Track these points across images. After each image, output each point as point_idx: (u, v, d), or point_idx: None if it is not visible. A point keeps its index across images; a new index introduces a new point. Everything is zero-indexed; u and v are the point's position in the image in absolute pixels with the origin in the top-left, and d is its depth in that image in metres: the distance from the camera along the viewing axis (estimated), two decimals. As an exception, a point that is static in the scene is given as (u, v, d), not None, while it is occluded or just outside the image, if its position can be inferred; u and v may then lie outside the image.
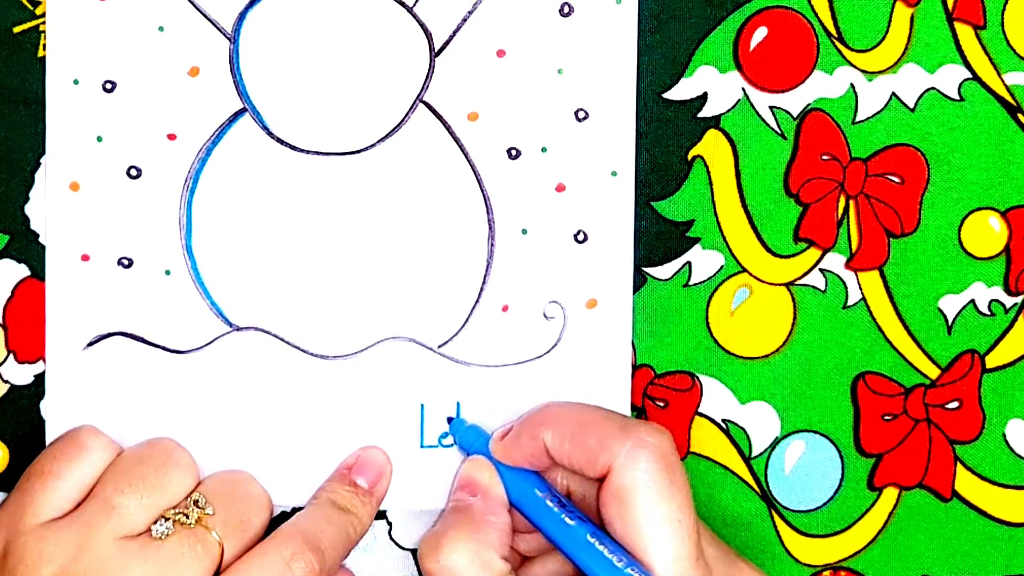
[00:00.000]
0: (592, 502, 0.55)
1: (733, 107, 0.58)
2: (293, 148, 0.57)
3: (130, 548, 0.52)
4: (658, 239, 0.58)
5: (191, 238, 0.57)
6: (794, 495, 0.59)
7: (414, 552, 0.58)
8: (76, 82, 0.56)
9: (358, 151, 0.57)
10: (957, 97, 0.58)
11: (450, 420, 0.57)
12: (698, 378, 0.59)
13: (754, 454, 0.59)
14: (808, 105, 0.58)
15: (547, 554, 0.56)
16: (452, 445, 0.57)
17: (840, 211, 0.58)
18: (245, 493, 0.55)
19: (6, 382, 0.57)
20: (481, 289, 0.57)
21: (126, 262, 0.57)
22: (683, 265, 0.58)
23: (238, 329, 0.57)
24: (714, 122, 0.58)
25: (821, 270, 0.59)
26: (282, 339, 0.57)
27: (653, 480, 0.51)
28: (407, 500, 0.57)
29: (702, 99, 0.58)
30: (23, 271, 0.57)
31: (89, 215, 0.56)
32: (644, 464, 0.52)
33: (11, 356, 0.57)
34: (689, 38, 0.58)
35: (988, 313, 0.59)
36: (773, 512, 0.59)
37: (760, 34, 0.58)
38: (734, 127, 0.58)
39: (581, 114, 0.57)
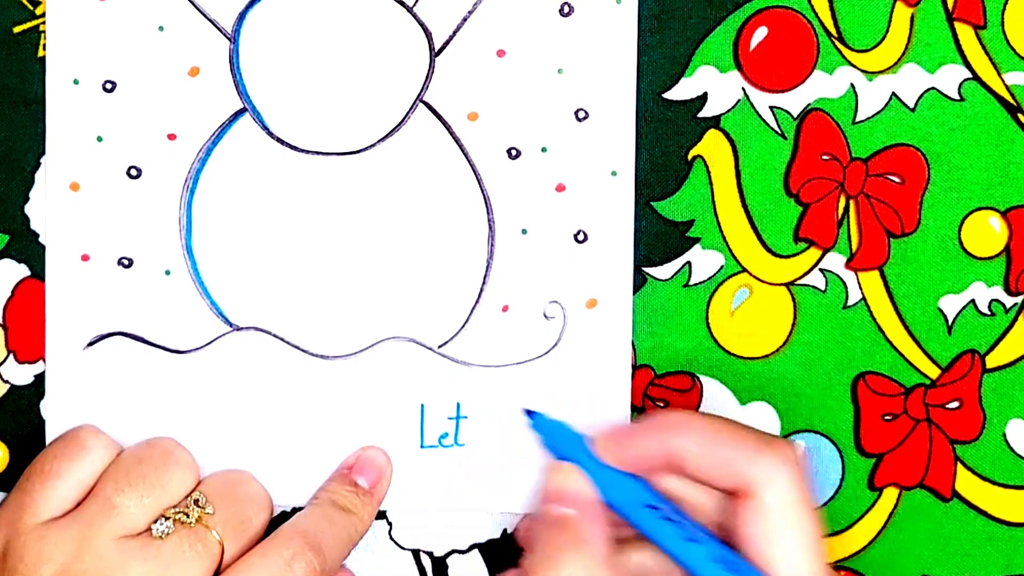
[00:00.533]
0: (708, 512, 0.53)
1: (733, 107, 0.58)
2: (293, 148, 0.57)
3: (130, 547, 0.52)
4: (658, 239, 0.58)
5: (191, 238, 0.57)
6: (794, 495, 0.59)
7: (414, 552, 0.58)
8: (76, 82, 0.56)
9: (358, 151, 0.57)
10: (957, 97, 0.58)
11: (530, 413, 0.56)
12: (698, 378, 0.59)
13: (754, 454, 0.59)
14: (808, 105, 0.58)
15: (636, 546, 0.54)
16: (452, 445, 0.57)
17: (840, 211, 0.58)
18: (245, 493, 0.55)
19: (6, 382, 0.57)
20: (481, 289, 0.57)
21: (126, 262, 0.57)
22: (683, 265, 0.58)
23: (238, 329, 0.57)
24: (714, 122, 0.58)
25: (821, 270, 0.59)
26: (282, 339, 0.57)
27: (799, 499, 0.50)
28: (407, 500, 0.57)
29: (702, 99, 0.58)
30: (23, 271, 0.57)
31: (89, 215, 0.56)
32: (790, 481, 0.51)
33: (11, 356, 0.57)
34: (689, 38, 0.58)
35: (988, 313, 0.59)
36: (773, 512, 0.59)
37: (760, 34, 0.58)
38: (734, 127, 0.58)
39: (581, 114, 0.57)
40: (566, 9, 0.57)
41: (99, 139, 0.56)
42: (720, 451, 0.51)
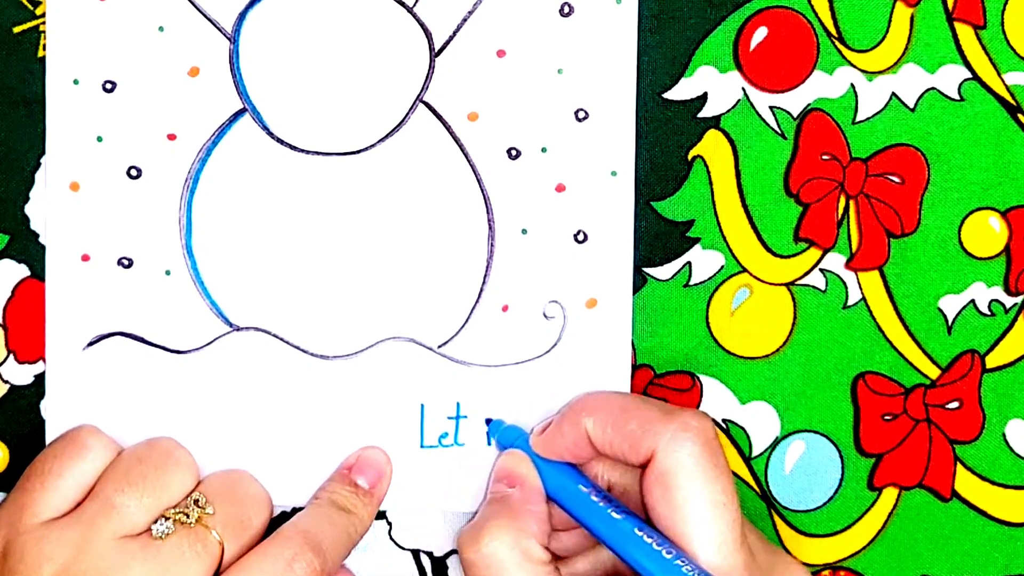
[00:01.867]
0: (633, 494, 0.54)
1: (733, 107, 0.58)
2: (293, 148, 0.57)
3: (130, 547, 0.52)
4: (658, 239, 0.58)
5: (191, 238, 0.57)
6: (794, 495, 0.59)
7: (414, 552, 0.58)
8: (76, 82, 0.56)
9: (358, 151, 0.57)
10: (957, 97, 0.58)
11: (488, 421, 0.57)
12: (698, 378, 0.59)
13: (754, 454, 0.59)
14: (808, 105, 0.58)
15: (580, 554, 0.56)
16: (451, 445, 0.57)
17: (840, 211, 0.58)
18: (245, 492, 0.55)
19: (6, 382, 0.57)
20: (481, 289, 0.57)
21: (126, 262, 0.57)
22: (683, 265, 0.58)
23: (238, 329, 0.57)
24: (714, 122, 0.58)
25: (821, 270, 0.59)
26: (282, 339, 0.57)
27: (697, 463, 0.51)
28: (407, 500, 0.57)
29: (702, 99, 0.58)
30: (23, 271, 0.57)
31: (89, 215, 0.56)
32: (688, 447, 0.51)
33: (11, 356, 0.57)
34: (689, 38, 0.58)
35: (988, 313, 0.59)
36: (773, 512, 0.59)
37: (760, 34, 0.58)
38: (734, 127, 0.58)
39: (581, 114, 0.57)
40: (566, 9, 0.57)
41: (99, 139, 0.56)
42: (624, 426, 0.52)
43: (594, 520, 0.53)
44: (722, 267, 0.58)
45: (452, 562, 0.59)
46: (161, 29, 0.56)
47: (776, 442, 0.59)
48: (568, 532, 0.56)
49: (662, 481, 0.51)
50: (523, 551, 0.52)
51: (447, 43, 0.57)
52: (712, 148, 0.58)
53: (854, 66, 0.58)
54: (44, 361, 0.57)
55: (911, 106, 0.58)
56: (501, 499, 0.54)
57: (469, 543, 0.52)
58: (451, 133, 0.57)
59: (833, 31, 0.58)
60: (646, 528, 0.52)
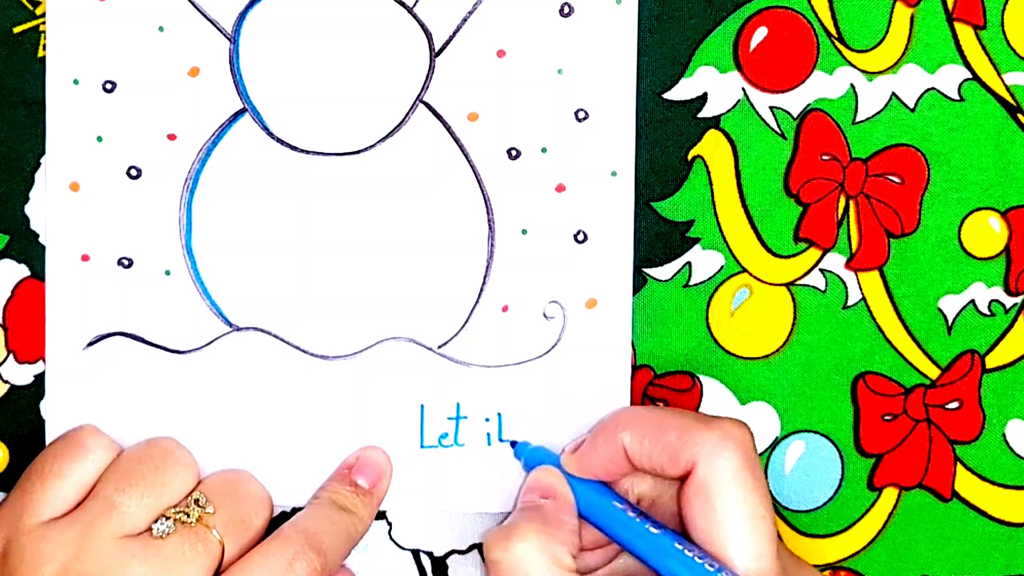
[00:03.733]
0: (663, 506, 0.54)
1: (733, 107, 0.58)
2: (293, 148, 0.57)
3: (131, 547, 0.52)
4: (658, 239, 0.58)
5: (191, 238, 0.57)
6: (794, 495, 0.59)
7: (414, 552, 0.58)
8: (76, 82, 0.56)
9: (358, 151, 0.57)
10: (957, 97, 0.58)
11: (514, 444, 0.57)
12: (698, 378, 0.59)
13: (754, 454, 0.59)
14: (808, 105, 0.58)
15: (600, 569, 0.55)
16: (451, 445, 0.57)
17: (840, 211, 0.58)
18: (246, 492, 0.55)
19: (6, 382, 0.57)
20: (481, 289, 0.57)
21: (126, 262, 0.57)
22: (683, 265, 0.58)
23: (238, 329, 0.57)
24: (714, 122, 0.58)
25: (821, 270, 0.59)
26: (282, 339, 0.57)
27: (739, 474, 0.50)
28: (407, 500, 0.57)
29: (702, 99, 0.58)
30: (23, 271, 0.57)
31: (89, 215, 0.56)
32: (730, 457, 0.50)
33: (11, 356, 0.57)
34: (689, 38, 0.58)
35: (988, 313, 0.59)
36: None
37: (760, 34, 0.58)
38: (734, 127, 0.58)
39: (581, 114, 0.57)
40: (566, 9, 0.57)
41: (99, 139, 0.56)
42: (661, 438, 0.52)
43: (631, 536, 0.52)
44: (722, 267, 0.58)
45: (452, 562, 0.58)
46: (161, 29, 0.56)
47: (776, 442, 0.59)
48: (593, 552, 0.55)
49: (703, 492, 0.50)
50: (552, 556, 0.51)
51: (447, 43, 0.57)
52: (712, 148, 0.58)
53: (854, 66, 0.58)
54: (44, 361, 0.57)
55: (911, 106, 0.58)
56: (534, 507, 0.53)
57: (497, 543, 0.51)
58: (451, 133, 0.57)
59: (833, 31, 0.58)
60: (685, 542, 0.51)
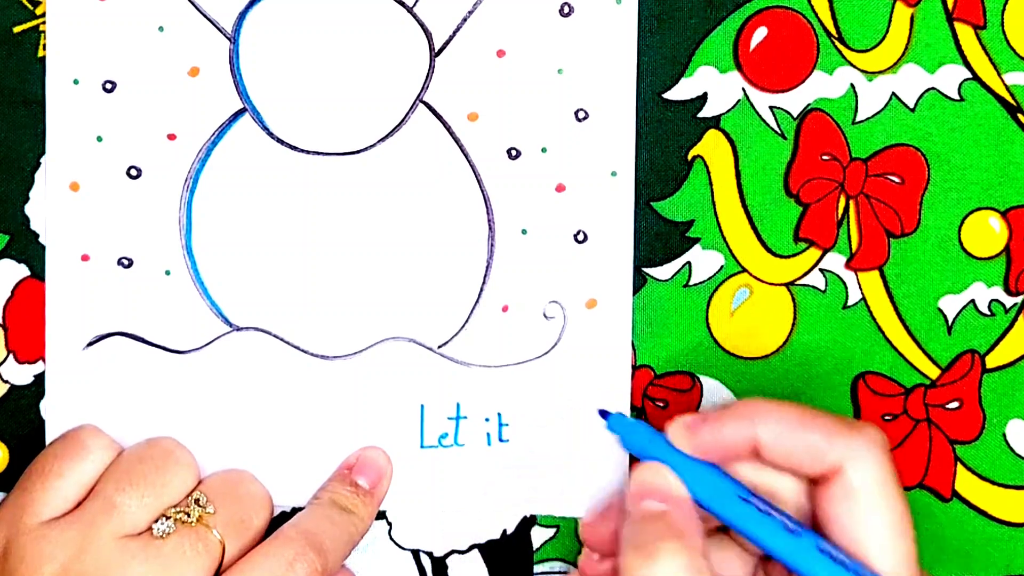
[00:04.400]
0: (789, 498, 0.52)
1: (733, 107, 0.58)
2: (293, 148, 0.57)
3: (131, 547, 0.52)
4: (658, 239, 0.58)
5: (191, 238, 0.57)
6: (794, 495, 0.59)
7: (414, 552, 0.58)
8: (76, 82, 0.56)
9: (358, 151, 0.57)
10: (957, 97, 0.58)
11: (605, 415, 0.55)
12: (698, 378, 0.59)
13: (754, 454, 0.59)
14: (808, 105, 0.58)
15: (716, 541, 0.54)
16: (451, 445, 0.57)
17: (840, 211, 0.58)
18: (246, 492, 0.55)
19: (6, 382, 0.57)
20: (481, 289, 0.57)
21: (126, 262, 0.57)
22: (683, 265, 0.58)
23: (238, 329, 0.57)
24: (714, 122, 0.58)
25: (821, 270, 0.59)
26: (282, 339, 0.57)
27: (887, 480, 0.50)
28: (407, 500, 0.57)
29: (702, 99, 0.58)
30: (23, 271, 0.57)
31: (89, 215, 0.56)
32: (880, 462, 0.50)
33: (11, 356, 0.57)
34: (689, 38, 0.58)
35: (988, 313, 0.59)
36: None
37: (760, 34, 0.58)
38: (734, 127, 0.58)
39: (581, 114, 0.57)
40: (566, 9, 0.57)
41: (99, 139, 0.56)
42: (804, 436, 0.50)
43: (764, 533, 0.50)
44: (722, 267, 0.58)
45: (452, 562, 0.58)
46: (161, 29, 0.56)
47: (776, 442, 0.59)
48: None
49: (852, 496, 0.50)
50: (697, 570, 0.48)
51: (447, 43, 0.57)
52: (712, 148, 0.58)
53: (854, 66, 0.58)
54: (44, 361, 0.57)
55: (911, 106, 0.58)
56: (658, 516, 0.50)
57: (640, 564, 0.48)
58: (451, 133, 0.57)
59: (833, 31, 0.58)
60: (827, 545, 0.50)
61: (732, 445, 0.51)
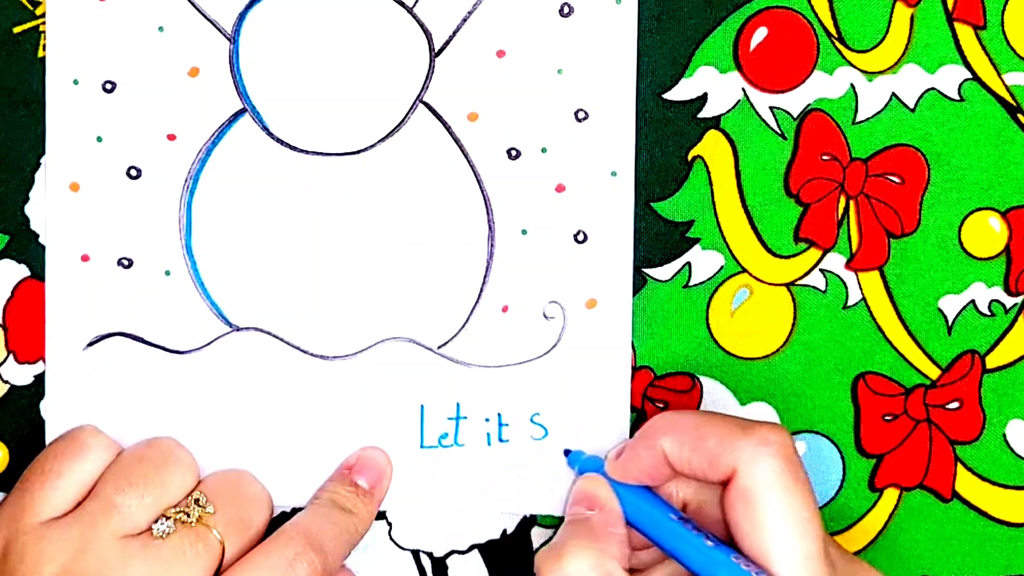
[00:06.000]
0: (710, 511, 0.54)
1: (733, 107, 0.58)
2: (293, 148, 0.57)
3: (131, 547, 0.52)
4: (658, 239, 0.58)
5: (191, 238, 0.57)
6: (794, 495, 0.59)
7: (414, 552, 0.58)
8: (76, 82, 0.56)
9: (358, 151, 0.57)
10: (957, 97, 0.58)
11: (567, 452, 0.57)
12: (698, 379, 0.59)
13: (754, 454, 0.59)
14: (808, 105, 0.58)
15: (654, 567, 0.55)
16: (451, 445, 0.57)
17: (840, 211, 0.58)
18: (246, 492, 0.55)
19: (6, 382, 0.57)
20: (481, 289, 0.57)
21: (126, 262, 0.57)
22: (683, 266, 0.58)
23: (238, 329, 0.57)
24: (714, 122, 0.58)
25: (821, 270, 0.59)
26: (282, 339, 0.57)
27: (779, 478, 0.50)
28: (407, 500, 0.57)
29: (702, 99, 0.58)
30: (23, 271, 0.57)
31: (89, 215, 0.56)
32: (770, 462, 0.50)
33: (11, 356, 0.57)
34: (689, 38, 0.58)
35: (988, 313, 0.59)
36: (773, 512, 0.59)
37: (760, 34, 0.58)
38: (734, 127, 0.58)
39: (581, 114, 0.57)
40: (566, 9, 0.57)
41: (99, 139, 0.56)
42: (700, 443, 0.52)
43: (677, 544, 0.52)
44: (722, 267, 0.58)
45: (452, 562, 0.58)
46: (161, 29, 0.56)
47: (776, 442, 0.59)
48: (644, 550, 0.55)
49: (745, 498, 0.50)
50: (605, 572, 0.51)
51: (447, 43, 0.57)
52: (712, 148, 0.58)
53: (854, 66, 0.58)
54: (44, 361, 0.57)
55: (911, 106, 0.58)
56: (581, 521, 0.53)
57: (549, 562, 0.51)
58: (451, 133, 0.57)
59: (833, 31, 0.58)
60: (739, 555, 0.50)
61: (650, 466, 0.53)
